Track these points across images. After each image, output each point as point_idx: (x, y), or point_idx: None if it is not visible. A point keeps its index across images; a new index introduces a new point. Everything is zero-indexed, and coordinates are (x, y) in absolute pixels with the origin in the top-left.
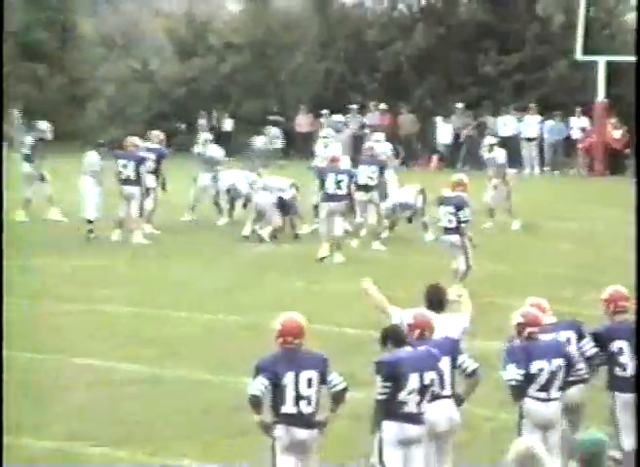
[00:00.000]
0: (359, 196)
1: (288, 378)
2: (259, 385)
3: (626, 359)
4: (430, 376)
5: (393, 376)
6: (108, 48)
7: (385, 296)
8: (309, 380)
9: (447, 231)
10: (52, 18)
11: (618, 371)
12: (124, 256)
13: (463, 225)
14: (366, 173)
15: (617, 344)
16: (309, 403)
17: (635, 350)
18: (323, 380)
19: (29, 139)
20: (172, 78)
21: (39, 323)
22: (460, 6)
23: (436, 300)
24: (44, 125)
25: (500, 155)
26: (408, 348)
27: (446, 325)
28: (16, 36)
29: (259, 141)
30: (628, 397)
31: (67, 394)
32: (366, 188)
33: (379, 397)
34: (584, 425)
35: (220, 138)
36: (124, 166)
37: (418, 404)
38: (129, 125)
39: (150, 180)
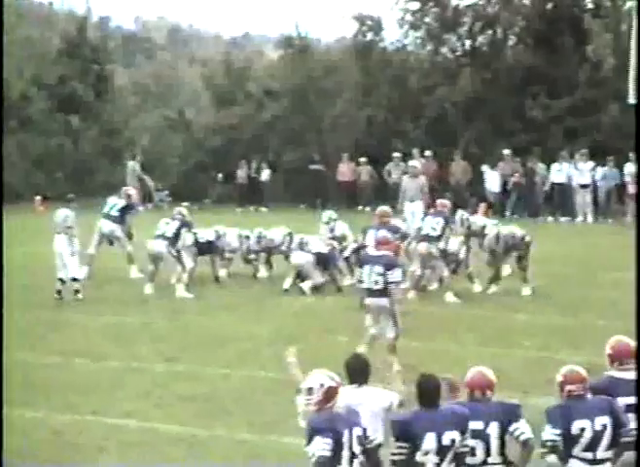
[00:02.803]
0: (420, 247)
1: (345, 437)
2: (323, 445)
3: None
4: (450, 435)
5: (406, 435)
6: (143, 97)
7: None
8: (359, 438)
9: (374, 292)
10: (86, 69)
11: None
12: (163, 311)
13: (392, 286)
14: (430, 224)
15: None
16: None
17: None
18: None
19: None
20: (209, 127)
21: (72, 382)
22: (507, 49)
23: (357, 371)
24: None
25: None
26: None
27: (368, 399)
28: (51, 88)
29: None
30: None
31: (100, 455)
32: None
33: (394, 458)
34: None
35: (257, 188)
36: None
37: (438, 465)
38: (166, 176)
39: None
